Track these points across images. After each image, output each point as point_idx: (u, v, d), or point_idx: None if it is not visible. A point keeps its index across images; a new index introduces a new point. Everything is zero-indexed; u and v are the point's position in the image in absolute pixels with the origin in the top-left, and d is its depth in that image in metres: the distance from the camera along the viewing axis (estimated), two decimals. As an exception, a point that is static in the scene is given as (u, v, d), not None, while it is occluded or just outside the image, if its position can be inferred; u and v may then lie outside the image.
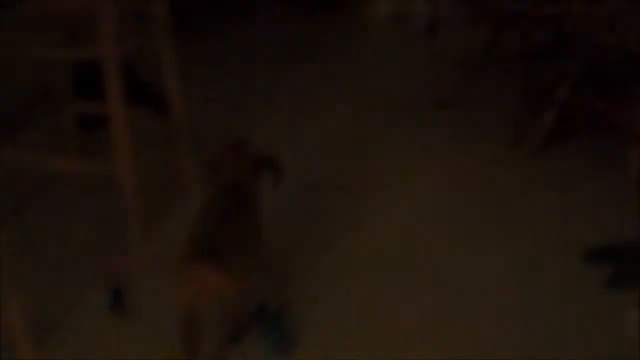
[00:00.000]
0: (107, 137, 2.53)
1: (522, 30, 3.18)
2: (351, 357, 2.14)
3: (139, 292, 2.35)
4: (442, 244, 2.61)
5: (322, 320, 2.28)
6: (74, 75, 2.96)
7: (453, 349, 2.17)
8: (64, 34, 2.79)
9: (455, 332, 2.23)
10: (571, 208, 2.80)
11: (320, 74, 3.99)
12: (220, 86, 3.81)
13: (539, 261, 2.51)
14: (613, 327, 2.23)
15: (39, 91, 3.13)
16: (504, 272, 2.47)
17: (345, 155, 3.21)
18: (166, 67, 2.71)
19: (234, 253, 1.93)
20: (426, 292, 2.38)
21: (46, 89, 3.02)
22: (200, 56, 4.13)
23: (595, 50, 2.80)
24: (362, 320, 2.28)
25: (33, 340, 2.13)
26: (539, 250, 2.57)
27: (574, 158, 3.14)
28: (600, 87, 3.30)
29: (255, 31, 4.61)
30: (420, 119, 3.50)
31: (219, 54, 4.26)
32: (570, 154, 3.17)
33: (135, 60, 3.10)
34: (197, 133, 2.90)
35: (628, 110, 2.80)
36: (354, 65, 4.14)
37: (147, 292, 2.35)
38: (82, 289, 2.39)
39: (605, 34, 2.72)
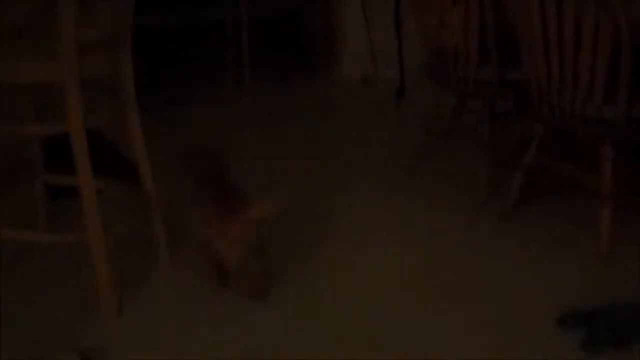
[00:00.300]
0: (77, 207, 2.53)
1: (487, 94, 3.23)
2: None
3: None
4: (409, 304, 2.61)
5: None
6: (45, 146, 2.97)
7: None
8: (33, 105, 2.82)
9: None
10: (542, 271, 2.81)
11: (289, 135, 4.03)
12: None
13: (510, 324, 2.51)
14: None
15: (9, 163, 3.13)
16: (473, 335, 2.47)
17: (311, 216, 3.23)
18: (134, 138, 2.73)
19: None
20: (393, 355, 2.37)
21: (17, 160, 3.02)
22: (170, 125, 4.16)
23: (560, 113, 2.85)
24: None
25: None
26: (510, 313, 2.57)
27: (544, 220, 3.17)
28: (567, 148, 3.36)
29: (224, 96, 4.66)
30: (389, 182, 3.53)
31: (189, 121, 4.29)
32: (540, 215, 3.21)
33: (102, 129, 3.13)
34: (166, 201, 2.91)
35: (595, 172, 2.84)
36: (323, 127, 4.19)
37: None
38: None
39: (569, 97, 2.77)
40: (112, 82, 2.67)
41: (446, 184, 3.49)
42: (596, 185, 2.84)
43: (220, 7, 4.90)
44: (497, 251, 2.96)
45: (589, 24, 2.61)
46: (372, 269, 2.86)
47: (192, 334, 2.48)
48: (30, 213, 3.01)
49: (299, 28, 5.18)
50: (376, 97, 4.62)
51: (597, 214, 2.84)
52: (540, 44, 2.80)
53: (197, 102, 4.59)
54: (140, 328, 2.52)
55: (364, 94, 4.70)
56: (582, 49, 2.67)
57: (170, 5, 5.09)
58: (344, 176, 3.63)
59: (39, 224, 3.00)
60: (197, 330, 2.50)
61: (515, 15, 2.89)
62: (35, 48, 2.46)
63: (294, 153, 3.86)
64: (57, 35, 2.35)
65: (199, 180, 2.70)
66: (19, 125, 2.70)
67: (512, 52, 3.04)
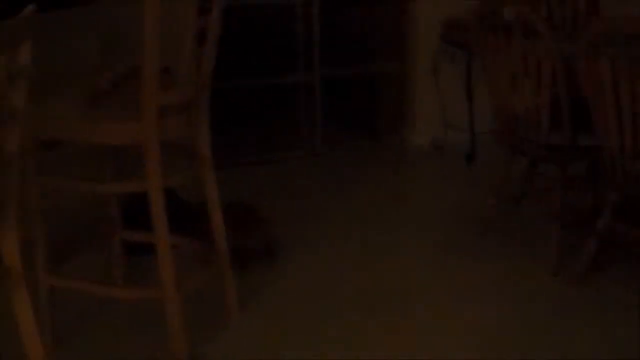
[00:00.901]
0: (153, 263, 2.61)
1: (559, 159, 3.24)
2: None
3: None
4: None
5: None
6: (124, 204, 3.08)
7: None
8: (114, 165, 2.93)
9: None
10: (614, 341, 2.77)
11: (357, 198, 4.08)
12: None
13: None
14: None
15: (90, 219, 3.25)
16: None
17: (379, 275, 3.25)
18: (209, 197, 2.82)
19: None
20: None
21: (97, 216, 3.13)
22: (242, 184, 4.25)
23: (633, 179, 2.84)
24: None
25: None
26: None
27: (616, 287, 3.13)
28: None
29: (296, 156, 4.75)
30: (458, 246, 3.54)
31: (262, 182, 4.38)
32: (612, 283, 3.17)
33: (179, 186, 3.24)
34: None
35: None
36: (391, 191, 4.23)
37: None
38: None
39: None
40: (190, 143, 2.77)
41: (516, 249, 3.48)
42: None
43: (294, 70, 5.02)
44: (568, 317, 2.93)
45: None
46: (439, 333, 2.86)
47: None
48: (107, 269, 3.11)
49: (372, 92, 5.27)
50: (446, 162, 4.65)
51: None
52: (612, 113, 2.81)
53: (269, 162, 4.68)
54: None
55: (434, 159, 4.73)
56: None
57: (245, 68, 5.24)
58: (412, 240, 3.65)
59: (116, 279, 3.09)
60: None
61: (587, 84, 2.90)
62: (118, 111, 2.56)
63: (361, 217, 3.90)
64: (140, 100, 2.46)
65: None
66: (100, 183, 2.81)
67: (584, 117, 3.05)
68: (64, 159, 2.78)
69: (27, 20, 1.86)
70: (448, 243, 3.59)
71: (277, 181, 4.43)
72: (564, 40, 3.26)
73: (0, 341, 2.44)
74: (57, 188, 2.67)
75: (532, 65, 3.12)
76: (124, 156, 2.86)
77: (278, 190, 4.29)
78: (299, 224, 3.80)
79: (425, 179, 4.52)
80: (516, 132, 3.32)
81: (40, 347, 2.07)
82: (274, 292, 3.14)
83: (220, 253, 2.87)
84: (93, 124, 2.53)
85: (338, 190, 4.25)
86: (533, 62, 3.12)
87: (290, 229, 3.71)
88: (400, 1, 4.89)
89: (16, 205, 2.00)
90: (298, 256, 3.45)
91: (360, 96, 5.33)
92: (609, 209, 3.05)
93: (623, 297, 3.05)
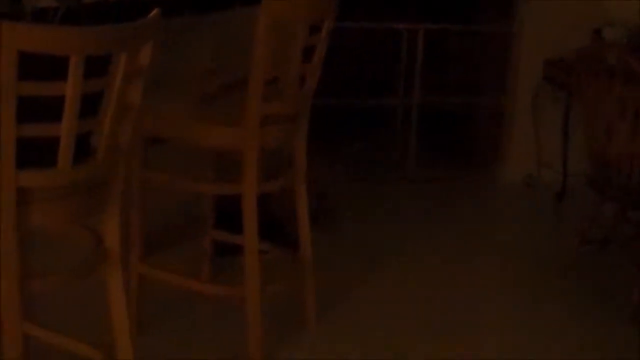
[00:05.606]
0: (239, 265, 2.72)
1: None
2: None
3: None
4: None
5: None
6: (217, 205, 3.21)
7: None
8: (214, 167, 3.07)
9: None
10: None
11: (441, 231, 4.12)
12: (347, 234, 3.99)
13: None
14: None
15: (185, 217, 3.39)
16: None
17: (449, 306, 3.30)
18: (299, 207, 2.92)
19: None
20: None
21: (192, 215, 3.27)
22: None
23: None
24: None
25: None
26: None
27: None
28: None
29: (387, 179, 4.82)
30: (538, 287, 3.55)
31: (350, 199, 4.46)
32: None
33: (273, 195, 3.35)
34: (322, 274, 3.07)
35: None
36: (478, 226, 4.25)
37: None
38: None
39: None
40: (287, 153, 2.88)
41: (597, 294, 3.47)
42: None
43: (394, 94, 5.11)
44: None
45: None
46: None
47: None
48: (195, 265, 3.24)
49: (469, 123, 5.30)
50: (536, 200, 4.65)
51: None
52: None
53: (360, 181, 4.76)
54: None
55: (524, 196, 4.73)
56: None
57: (348, 88, 5.37)
58: (488, 274, 3.68)
59: (203, 276, 3.22)
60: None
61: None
62: (223, 116, 2.70)
63: (441, 246, 3.94)
64: (244, 107, 2.59)
65: None
66: (198, 183, 2.94)
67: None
68: (167, 156, 2.93)
69: (151, 24, 1.99)
70: (525, 280, 3.60)
71: (365, 200, 4.50)
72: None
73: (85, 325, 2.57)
74: (159, 183, 2.82)
75: (630, 111, 3.13)
76: (224, 159, 2.99)
77: (365, 209, 4.36)
78: (378, 244, 3.87)
79: (513, 215, 4.53)
80: (608, 177, 3.33)
81: (127, 331, 2.19)
82: (349, 309, 3.22)
83: (305, 263, 2.97)
84: (198, 126, 2.67)
85: (424, 216, 4.30)
86: (631, 108, 3.13)
87: (368, 248, 3.79)
88: (506, 37, 4.92)
89: (120, 194, 2.14)
90: (370, 276, 3.51)
91: (457, 126, 5.37)
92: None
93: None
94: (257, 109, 2.58)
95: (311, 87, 2.81)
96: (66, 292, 2.36)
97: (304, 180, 2.91)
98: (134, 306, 2.85)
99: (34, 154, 1.87)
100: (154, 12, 2.00)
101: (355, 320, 3.14)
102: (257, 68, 2.54)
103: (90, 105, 1.92)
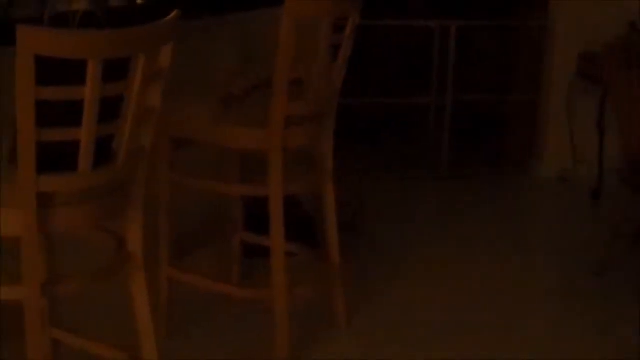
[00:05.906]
0: (268, 267, 2.71)
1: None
2: None
3: None
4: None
5: None
6: (246, 207, 3.20)
7: None
8: (240, 168, 3.06)
9: None
10: None
11: (475, 228, 4.07)
12: (380, 234, 3.95)
13: None
14: None
15: (214, 218, 3.39)
16: None
17: (479, 305, 3.25)
18: (326, 208, 2.90)
19: None
20: None
21: (221, 217, 3.27)
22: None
23: None
24: None
25: None
26: None
27: None
28: None
29: (419, 176, 4.79)
30: (570, 283, 3.50)
31: (382, 195, 4.44)
32: None
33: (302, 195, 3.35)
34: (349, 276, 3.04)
35: None
36: (512, 223, 4.20)
37: None
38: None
39: None
40: (313, 154, 2.86)
41: (630, 291, 3.40)
42: None
43: (427, 92, 5.07)
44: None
45: None
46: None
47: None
48: (225, 267, 3.23)
49: (502, 120, 5.25)
50: (571, 196, 4.58)
51: None
52: None
53: (392, 180, 4.73)
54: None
55: (559, 192, 4.67)
56: None
57: (380, 86, 5.34)
58: (521, 273, 3.62)
59: (232, 278, 3.22)
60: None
61: None
62: (247, 117, 2.68)
63: (475, 242, 3.89)
64: (269, 109, 2.57)
65: None
66: (224, 184, 2.94)
67: None
68: (195, 158, 2.93)
69: (169, 25, 1.98)
70: (559, 279, 3.55)
71: (398, 199, 4.47)
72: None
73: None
74: (186, 185, 2.81)
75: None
76: (250, 161, 2.98)
77: (398, 207, 4.33)
78: (411, 244, 3.83)
79: (548, 212, 4.47)
80: (641, 172, 3.27)
81: (152, 334, 2.19)
82: (379, 311, 3.18)
83: (333, 265, 2.95)
84: (223, 128, 2.66)
85: (456, 214, 4.26)
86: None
87: (401, 248, 3.76)
88: (539, 32, 4.85)
89: (143, 197, 2.13)
90: (402, 276, 3.48)
91: (491, 123, 5.31)
92: None
93: None
94: (282, 110, 2.57)
95: (337, 86, 2.79)
96: (93, 295, 2.36)
97: (331, 180, 2.88)
98: (164, 309, 2.86)
99: (55, 158, 1.87)
100: (173, 13, 1.99)
101: (386, 323, 3.10)
102: (281, 68, 2.53)
103: (111, 108, 1.92)
